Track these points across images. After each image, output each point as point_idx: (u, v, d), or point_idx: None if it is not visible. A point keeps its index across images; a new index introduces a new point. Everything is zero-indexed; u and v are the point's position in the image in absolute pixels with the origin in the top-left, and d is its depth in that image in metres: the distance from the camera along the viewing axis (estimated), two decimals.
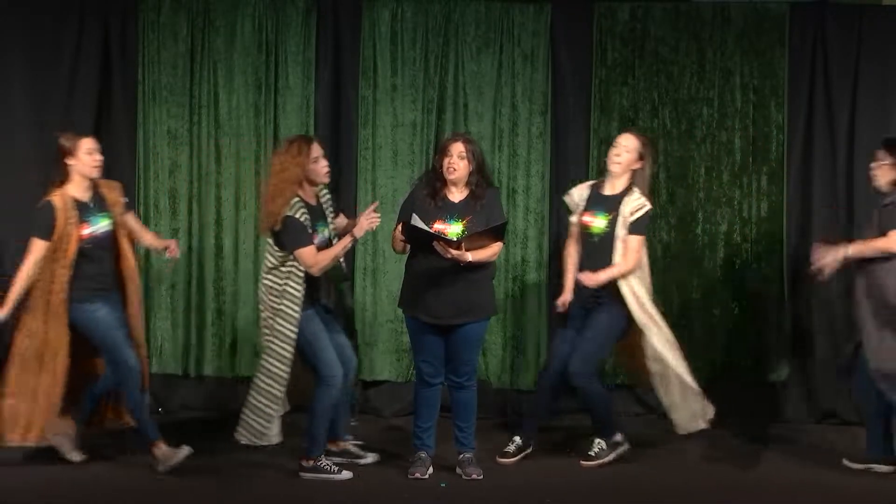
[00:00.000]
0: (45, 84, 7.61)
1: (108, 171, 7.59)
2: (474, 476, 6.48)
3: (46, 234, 6.41)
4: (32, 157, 7.60)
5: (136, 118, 7.69)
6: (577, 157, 7.77)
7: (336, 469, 6.47)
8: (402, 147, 7.78)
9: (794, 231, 7.83)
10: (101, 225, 6.52)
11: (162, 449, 6.52)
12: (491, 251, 6.37)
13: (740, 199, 7.75)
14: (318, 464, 6.47)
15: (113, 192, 6.65)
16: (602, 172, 7.02)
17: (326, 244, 6.42)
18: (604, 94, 7.82)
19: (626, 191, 6.71)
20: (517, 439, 6.86)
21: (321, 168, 6.42)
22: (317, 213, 6.44)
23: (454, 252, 6.22)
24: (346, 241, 6.36)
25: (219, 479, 6.46)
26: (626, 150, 6.72)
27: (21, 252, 6.54)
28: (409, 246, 6.43)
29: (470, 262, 6.26)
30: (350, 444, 6.74)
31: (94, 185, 6.58)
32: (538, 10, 7.78)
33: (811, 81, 7.78)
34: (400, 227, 6.34)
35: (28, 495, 6.14)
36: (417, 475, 6.45)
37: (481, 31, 7.79)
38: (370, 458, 6.73)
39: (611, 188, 6.77)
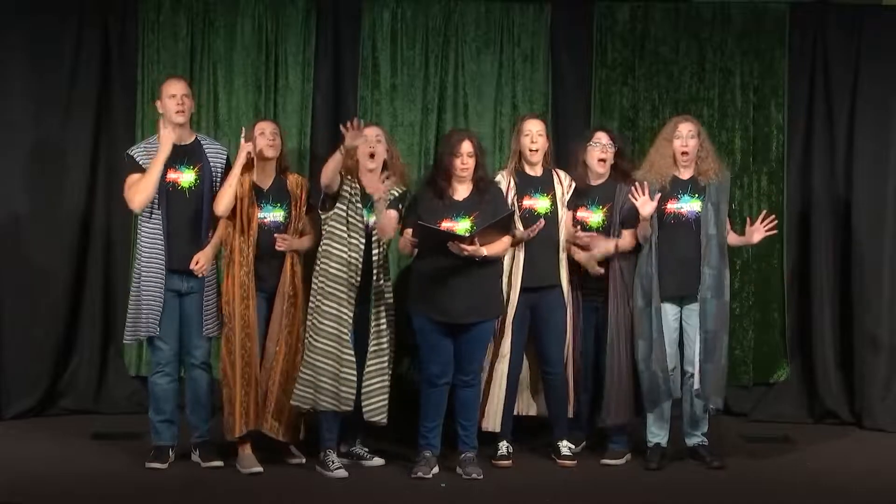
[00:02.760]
0: (45, 84, 7.60)
1: (108, 171, 7.66)
2: (474, 476, 6.48)
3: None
4: (33, 156, 7.60)
5: (136, 118, 7.67)
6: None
7: (335, 466, 6.49)
8: (402, 147, 7.76)
9: (794, 231, 7.84)
10: (273, 215, 6.58)
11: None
12: (503, 245, 6.44)
13: (740, 199, 7.74)
14: (323, 457, 6.52)
15: (299, 189, 6.70)
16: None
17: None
18: (604, 94, 7.82)
19: (549, 171, 6.79)
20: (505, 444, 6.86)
21: (375, 149, 6.54)
22: (366, 202, 6.50)
23: (469, 249, 6.24)
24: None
25: (220, 474, 6.49)
26: (540, 135, 6.75)
27: None
28: (416, 247, 6.47)
29: (485, 256, 6.28)
30: (359, 447, 6.76)
31: (279, 175, 6.65)
32: (538, 10, 7.78)
33: (811, 81, 7.79)
34: (410, 231, 6.38)
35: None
36: (420, 474, 6.44)
37: (481, 31, 7.80)
38: (376, 461, 6.74)
39: (532, 170, 6.80)
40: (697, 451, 6.79)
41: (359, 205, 6.48)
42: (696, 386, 6.66)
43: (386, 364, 6.54)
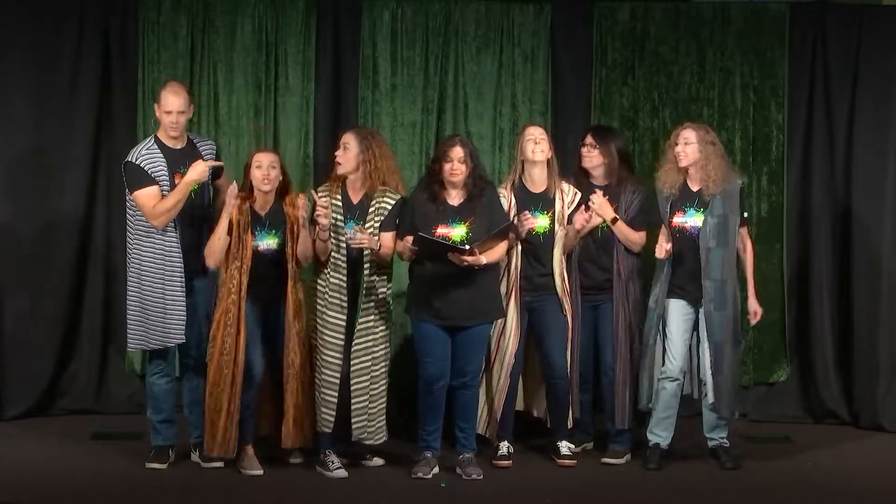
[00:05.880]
0: (45, 84, 7.59)
1: (109, 171, 7.65)
2: (474, 476, 6.48)
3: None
4: (33, 157, 7.60)
5: (136, 118, 7.67)
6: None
7: (335, 466, 6.50)
8: (402, 147, 7.78)
9: (794, 231, 7.84)
10: (266, 242, 6.47)
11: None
12: (501, 250, 6.46)
13: None
14: (323, 457, 6.52)
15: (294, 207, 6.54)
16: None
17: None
18: (604, 94, 7.82)
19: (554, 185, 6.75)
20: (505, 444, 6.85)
21: (340, 158, 6.50)
22: (352, 211, 6.49)
23: (469, 260, 6.26)
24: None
25: (220, 474, 6.50)
26: (542, 138, 6.73)
27: None
28: (415, 255, 6.45)
29: (485, 264, 6.32)
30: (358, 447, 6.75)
31: (278, 200, 6.51)
32: (538, 10, 7.79)
33: (811, 81, 7.79)
34: (410, 240, 6.35)
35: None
36: (420, 475, 6.45)
37: (481, 31, 7.80)
38: (376, 461, 6.73)
39: (533, 185, 6.77)
40: (716, 451, 6.80)
41: (340, 222, 6.45)
42: (711, 399, 6.69)
43: (384, 387, 6.61)
